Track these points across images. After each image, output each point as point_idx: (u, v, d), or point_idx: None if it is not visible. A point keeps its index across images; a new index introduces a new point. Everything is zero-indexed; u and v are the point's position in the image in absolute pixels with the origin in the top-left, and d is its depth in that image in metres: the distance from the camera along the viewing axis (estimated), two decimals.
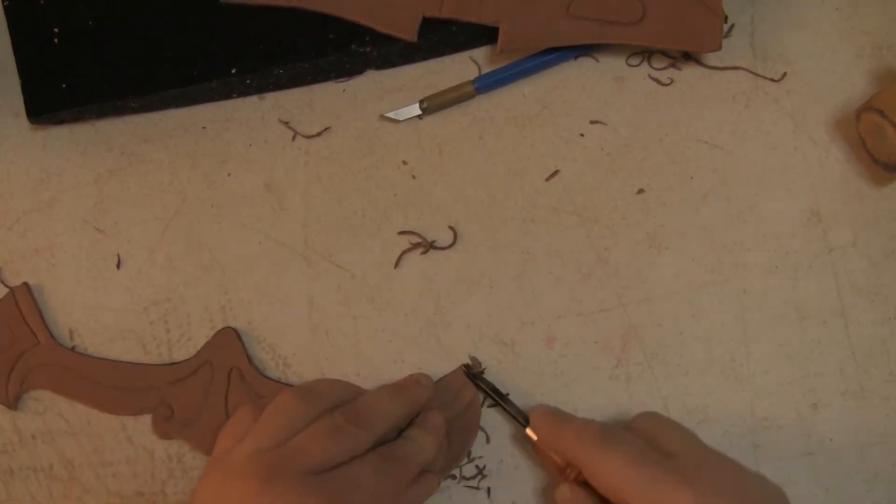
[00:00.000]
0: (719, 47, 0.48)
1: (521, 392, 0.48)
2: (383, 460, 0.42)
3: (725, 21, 0.49)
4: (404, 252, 0.49)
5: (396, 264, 0.49)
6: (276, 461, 0.40)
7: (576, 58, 0.50)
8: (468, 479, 0.48)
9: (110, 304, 0.51)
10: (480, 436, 0.48)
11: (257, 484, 0.39)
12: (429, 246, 0.47)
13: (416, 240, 0.48)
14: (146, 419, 0.49)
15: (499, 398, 0.47)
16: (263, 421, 0.42)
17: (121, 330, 0.51)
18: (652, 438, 0.42)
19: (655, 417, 0.44)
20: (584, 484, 0.43)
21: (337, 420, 0.42)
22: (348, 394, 0.45)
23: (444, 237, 0.50)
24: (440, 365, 0.49)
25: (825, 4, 0.50)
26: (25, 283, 0.51)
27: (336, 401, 0.44)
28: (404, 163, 0.51)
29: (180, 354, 0.50)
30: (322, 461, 0.40)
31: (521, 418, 0.46)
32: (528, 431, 0.45)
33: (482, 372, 0.48)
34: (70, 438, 0.50)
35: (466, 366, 0.48)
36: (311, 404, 0.42)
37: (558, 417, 0.45)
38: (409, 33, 0.50)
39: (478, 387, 0.47)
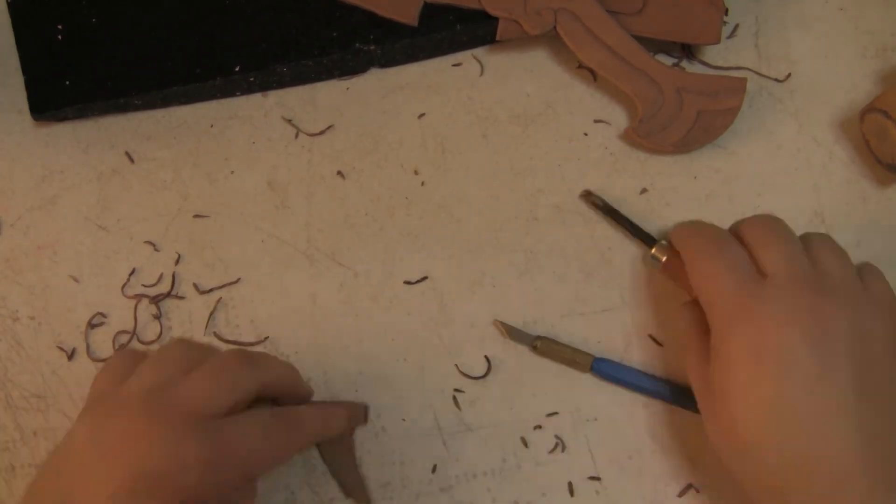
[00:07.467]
0: (718, 40, 0.48)
1: (524, 391, 0.48)
2: (277, 419, 0.41)
3: (726, 14, 0.49)
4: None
5: None
6: (165, 401, 0.38)
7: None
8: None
9: (111, 302, 0.51)
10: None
11: (143, 421, 0.37)
12: None
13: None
14: None
15: (625, 222, 0.48)
16: (151, 362, 0.41)
17: (121, 327, 0.50)
18: (754, 251, 0.42)
19: (765, 225, 0.43)
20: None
21: (224, 358, 0.41)
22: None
23: (448, 237, 0.50)
24: (442, 364, 0.49)
25: (829, 5, 0.51)
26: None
27: None
28: (408, 162, 0.51)
29: None
30: (210, 404, 0.39)
31: (645, 239, 0.48)
32: (655, 251, 0.46)
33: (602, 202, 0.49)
34: None
35: (587, 191, 0.49)
36: (198, 350, 0.42)
37: (687, 228, 0.45)
38: (410, 18, 0.50)
39: (602, 211, 0.48)
